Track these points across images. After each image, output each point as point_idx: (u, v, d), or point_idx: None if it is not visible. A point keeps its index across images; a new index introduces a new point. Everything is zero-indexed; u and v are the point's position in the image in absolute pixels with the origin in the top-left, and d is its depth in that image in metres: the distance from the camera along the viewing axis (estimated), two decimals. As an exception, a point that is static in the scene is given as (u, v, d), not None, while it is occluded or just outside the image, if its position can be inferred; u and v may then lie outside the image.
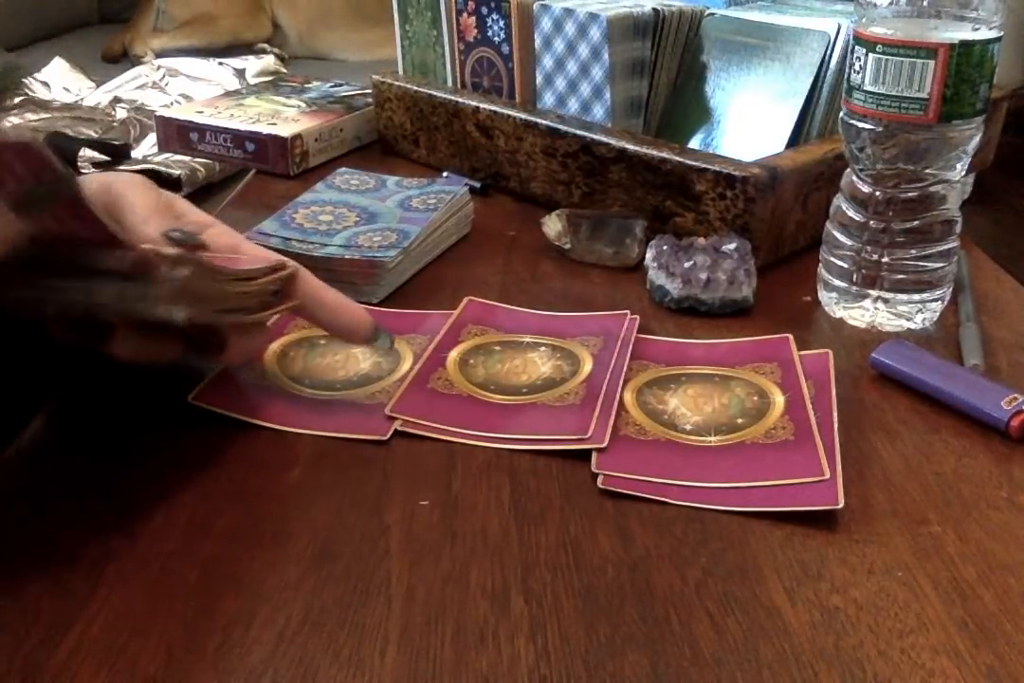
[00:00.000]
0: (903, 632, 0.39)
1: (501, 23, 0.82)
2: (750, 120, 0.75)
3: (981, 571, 0.42)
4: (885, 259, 0.60)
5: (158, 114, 0.96)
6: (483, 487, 0.47)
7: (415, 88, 0.89)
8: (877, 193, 0.59)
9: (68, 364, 0.56)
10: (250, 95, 1.01)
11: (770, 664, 0.37)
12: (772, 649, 0.38)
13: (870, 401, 0.55)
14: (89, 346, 0.46)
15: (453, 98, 0.85)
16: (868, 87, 0.56)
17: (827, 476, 0.47)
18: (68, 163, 0.47)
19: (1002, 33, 0.55)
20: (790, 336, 0.59)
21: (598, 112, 0.78)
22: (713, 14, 0.79)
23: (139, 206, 0.49)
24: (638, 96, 0.79)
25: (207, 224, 0.52)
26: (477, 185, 0.83)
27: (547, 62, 0.80)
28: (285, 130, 0.89)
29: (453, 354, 0.58)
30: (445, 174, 0.86)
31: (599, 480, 0.47)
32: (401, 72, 0.95)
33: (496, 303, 0.64)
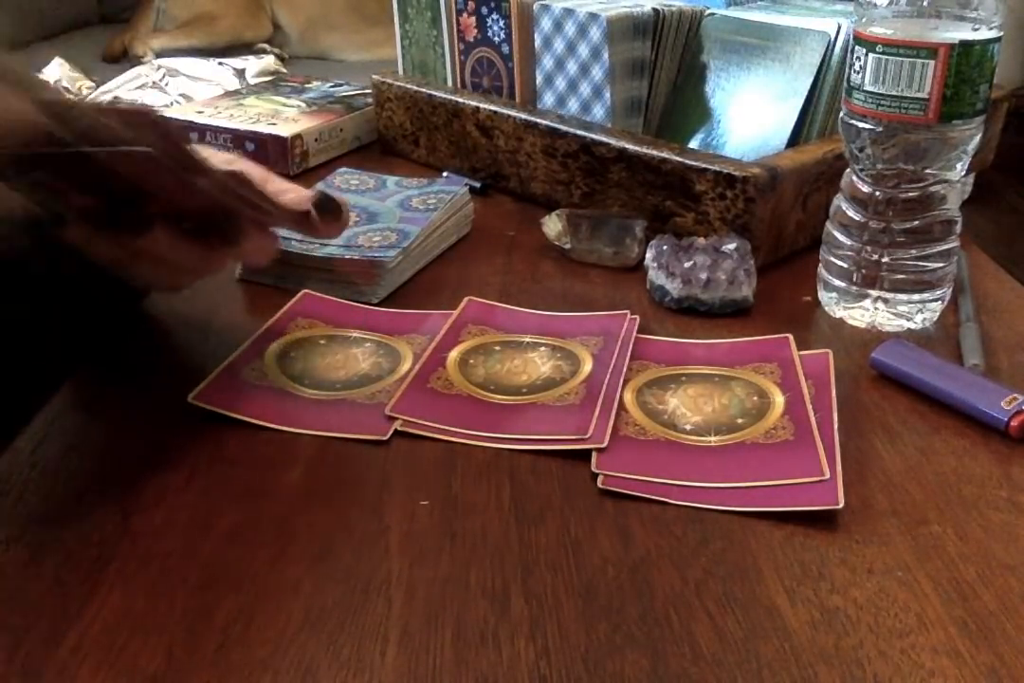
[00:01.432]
0: (903, 632, 0.39)
1: (501, 23, 0.82)
2: (750, 120, 0.75)
3: (981, 571, 0.42)
4: (885, 259, 0.60)
5: (158, 114, 0.96)
6: (483, 487, 0.47)
7: (415, 88, 0.89)
8: (877, 193, 0.59)
9: (68, 363, 0.56)
10: (250, 95, 1.01)
11: (770, 664, 0.37)
12: (772, 649, 0.38)
13: (870, 401, 0.55)
14: (122, 241, 0.47)
15: (453, 98, 0.85)
16: (868, 87, 0.56)
17: (827, 476, 0.47)
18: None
19: (1002, 33, 0.55)
20: (790, 336, 0.59)
21: (598, 112, 0.78)
22: (713, 14, 0.79)
23: None
24: (638, 96, 0.79)
25: (233, 159, 0.56)
26: (477, 185, 0.83)
27: (547, 62, 0.80)
28: (285, 130, 0.89)
29: (453, 354, 0.58)
30: (445, 174, 0.86)
31: (599, 480, 0.47)
32: (401, 72, 0.95)
33: (496, 303, 0.64)
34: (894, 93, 0.56)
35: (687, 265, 0.63)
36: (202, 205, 0.48)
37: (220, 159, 0.54)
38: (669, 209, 0.71)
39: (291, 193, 0.57)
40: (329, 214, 0.57)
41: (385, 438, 0.51)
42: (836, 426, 0.51)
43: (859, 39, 0.57)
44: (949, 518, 0.45)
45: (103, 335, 0.58)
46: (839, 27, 0.71)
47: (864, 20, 0.56)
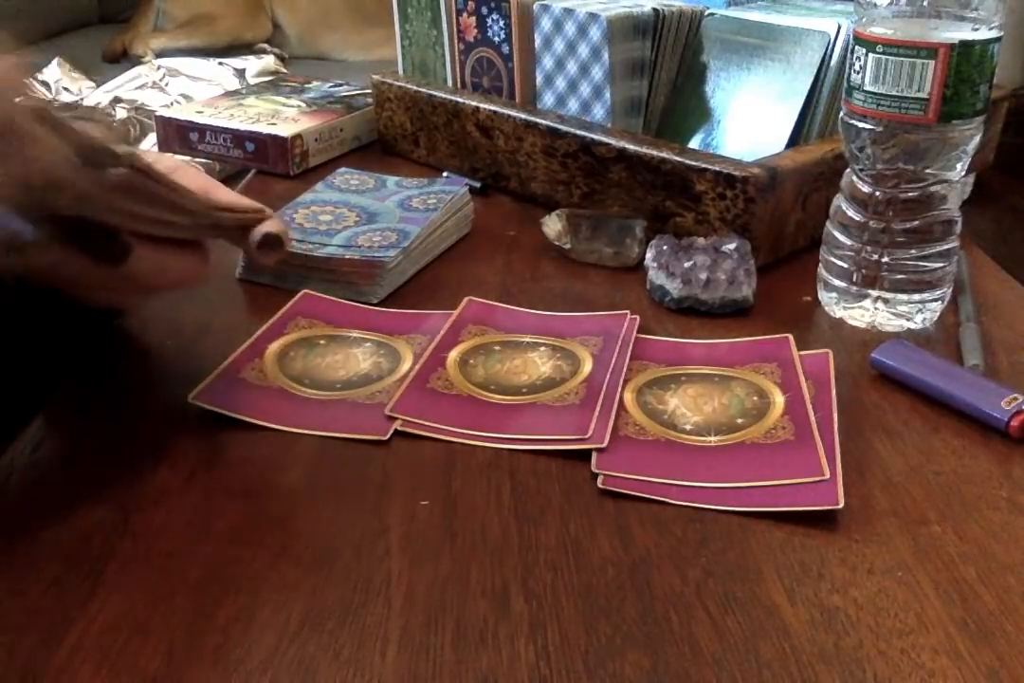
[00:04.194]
0: (903, 632, 0.39)
1: (501, 23, 0.82)
2: (750, 120, 0.75)
3: (981, 571, 0.42)
4: (885, 259, 0.60)
5: (158, 114, 0.96)
6: (483, 487, 0.47)
7: (415, 88, 0.89)
8: (877, 193, 0.59)
9: (67, 363, 0.56)
10: (250, 95, 1.01)
11: (770, 664, 0.37)
12: (772, 649, 0.38)
13: (870, 401, 0.55)
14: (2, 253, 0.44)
15: (453, 98, 0.85)
16: (868, 87, 0.56)
17: (827, 476, 0.47)
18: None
19: (1002, 33, 0.55)
20: (790, 336, 0.59)
21: (598, 112, 0.78)
22: (713, 14, 0.79)
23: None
24: (638, 96, 0.79)
25: (176, 167, 0.52)
26: (477, 185, 0.83)
27: (547, 62, 0.80)
28: (285, 130, 0.89)
29: (453, 354, 0.58)
30: (445, 174, 0.86)
31: (599, 480, 0.47)
32: (401, 72, 0.95)
33: (496, 303, 0.64)
34: (894, 93, 0.56)
35: (687, 265, 0.63)
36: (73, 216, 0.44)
37: (163, 166, 0.50)
38: (669, 209, 0.71)
39: (236, 204, 0.54)
40: (268, 247, 0.55)
41: (385, 438, 0.51)
42: (836, 426, 0.51)
43: (859, 39, 0.57)
44: (949, 518, 0.45)
45: (92, 337, 0.58)
46: (839, 27, 0.71)
47: (864, 20, 0.56)
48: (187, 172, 0.53)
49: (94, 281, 0.48)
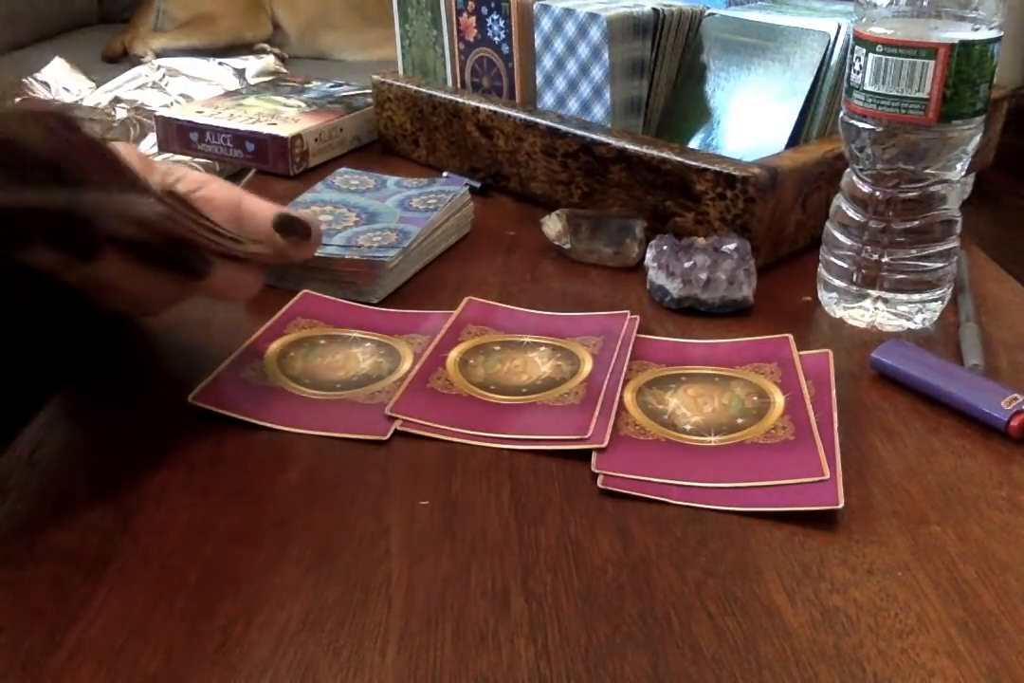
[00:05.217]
0: (903, 632, 0.39)
1: (501, 23, 0.82)
2: (750, 120, 0.75)
3: (981, 571, 0.42)
4: (885, 259, 0.60)
5: (158, 114, 0.96)
6: (483, 487, 0.47)
7: (415, 88, 0.89)
8: (877, 193, 0.59)
9: (69, 361, 0.56)
10: (250, 95, 1.01)
11: (770, 664, 0.37)
12: (772, 649, 0.38)
13: (870, 401, 0.55)
14: (74, 266, 0.45)
15: (453, 98, 0.85)
16: (868, 87, 0.56)
17: (827, 476, 0.47)
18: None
19: (1002, 33, 0.55)
20: (790, 336, 0.59)
21: (598, 112, 0.78)
22: (713, 14, 0.79)
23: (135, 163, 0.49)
24: (638, 96, 0.79)
25: (206, 180, 0.53)
26: (477, 185, 0.83)
27: (547, 62, 0.80)
28: (285, 130, 0.89)
29: (453, 354, 0.58)
30: (445, 174, 0.86)
31: (599, 480, 0.47)
32: (401, 72, 0.95)
33: (496, 303, 0.64)
34: (894, 93, 0.56)
35: (687, 265, 0.63)
36: (156, 232, 0.45)
37: (191, 179, 0.52)
38: (669, 209, 0.71)
39: (267, 212, 0.53)
40: (295, 235, 0.54)
41: (385, 438, 0.51)
42: (836, 426, 0.51)
43: (859, 39, 0.57)
44: (949, 518, 0.45)
45: (98, 337, 0.58)
46: (839, 27, 0.71)
47: (864, 20, 0.56)
48: (220, 185, 0.53)
49: (168, 294, 0.51)
